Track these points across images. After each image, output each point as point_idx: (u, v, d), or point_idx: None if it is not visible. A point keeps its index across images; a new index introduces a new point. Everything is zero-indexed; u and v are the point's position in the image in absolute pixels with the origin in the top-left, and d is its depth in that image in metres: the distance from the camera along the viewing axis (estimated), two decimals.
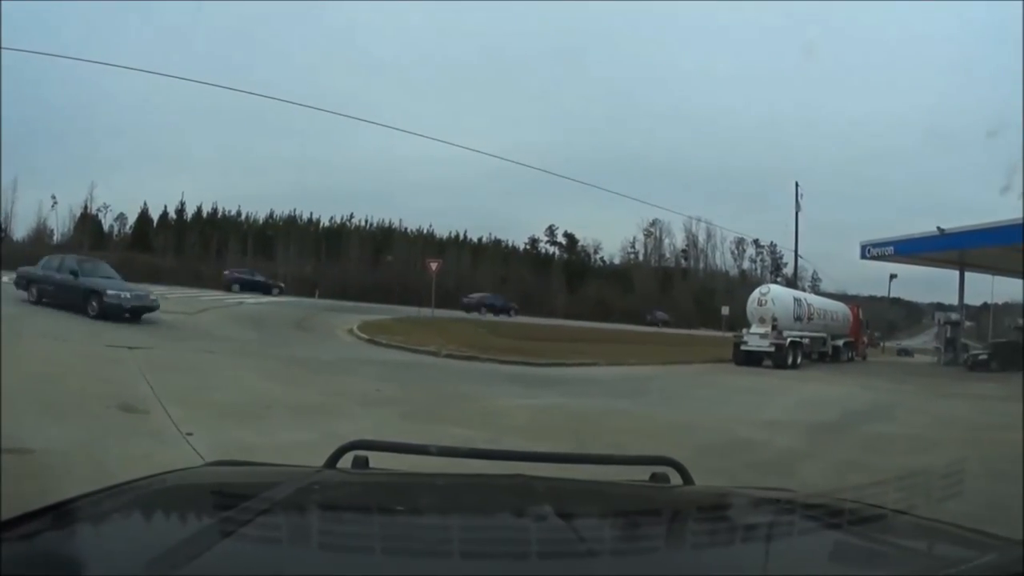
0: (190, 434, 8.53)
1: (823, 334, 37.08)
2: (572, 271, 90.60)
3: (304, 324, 30.12)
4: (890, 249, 39.94)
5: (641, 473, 2.41)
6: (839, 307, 42.13)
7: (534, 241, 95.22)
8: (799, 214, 54.33)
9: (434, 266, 39.61)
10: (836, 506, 2.00)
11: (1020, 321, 43.96)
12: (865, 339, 45.71)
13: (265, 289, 51.83)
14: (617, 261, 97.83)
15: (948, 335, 40.48)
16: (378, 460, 2.37)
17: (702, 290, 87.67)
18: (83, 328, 19.45)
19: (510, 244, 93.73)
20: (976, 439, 12.49)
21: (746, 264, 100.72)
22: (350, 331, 28.29)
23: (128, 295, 22.61)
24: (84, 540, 1.57)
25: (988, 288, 49.49)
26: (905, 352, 62.44)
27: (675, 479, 2.35)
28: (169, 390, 11.39)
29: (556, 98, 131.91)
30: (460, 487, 2.32)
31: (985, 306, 51.18)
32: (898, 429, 13.71)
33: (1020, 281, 42.00)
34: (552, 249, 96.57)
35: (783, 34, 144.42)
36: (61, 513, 1.63)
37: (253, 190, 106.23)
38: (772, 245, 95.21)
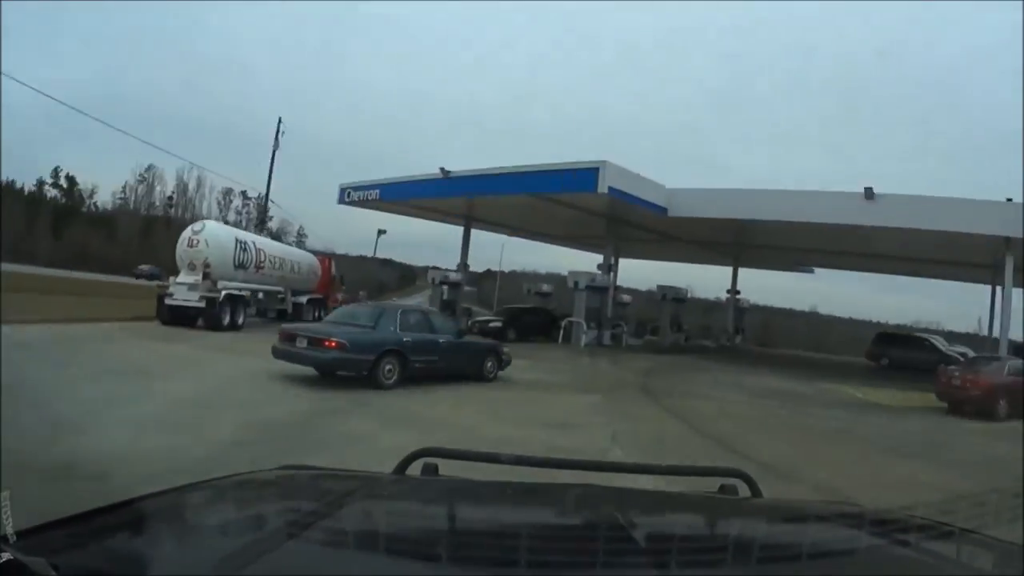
0: None
1: (279, 288, 30.55)
2: (60, 214, 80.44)
3: None
4: (375, 193, 33.40)
5: (709, 484, 2.36)
6: (304, 257, 35.04)
7: (40, 183, 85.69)
8: (277, 152, 47.73)
9: None
10: (905, 522, 1.94)
11: (543, 287, 39.35)
12: (339, 297, 38.80)
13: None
14: (110, 207, 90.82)
15: (445, 296, 34.84)
16: (447, 468, 2.35)
17: None
18: None
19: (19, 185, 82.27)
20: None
21: (232, 216, 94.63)
22: None
23: None
24: (152, 538, 1.59)
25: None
26: None
27: (743, 491, 2.29)
28: None
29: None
30: (530, 496, 2.27)
31: (489, 272, 45.89)
32: None
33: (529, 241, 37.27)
34: (54, 192, 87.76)
35: None
36: (131, 510, 1.64)
37: None
38: (260, 197, 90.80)
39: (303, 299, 32.44)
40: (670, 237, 33.99)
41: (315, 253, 39.11)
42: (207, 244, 25.54)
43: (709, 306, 45.16)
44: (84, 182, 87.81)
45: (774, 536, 1.94)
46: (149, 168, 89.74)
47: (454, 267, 36.34)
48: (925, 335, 43.06)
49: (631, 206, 26.26)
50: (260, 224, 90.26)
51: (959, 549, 1.79)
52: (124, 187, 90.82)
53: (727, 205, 26.96)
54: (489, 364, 17.16)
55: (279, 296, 30.90)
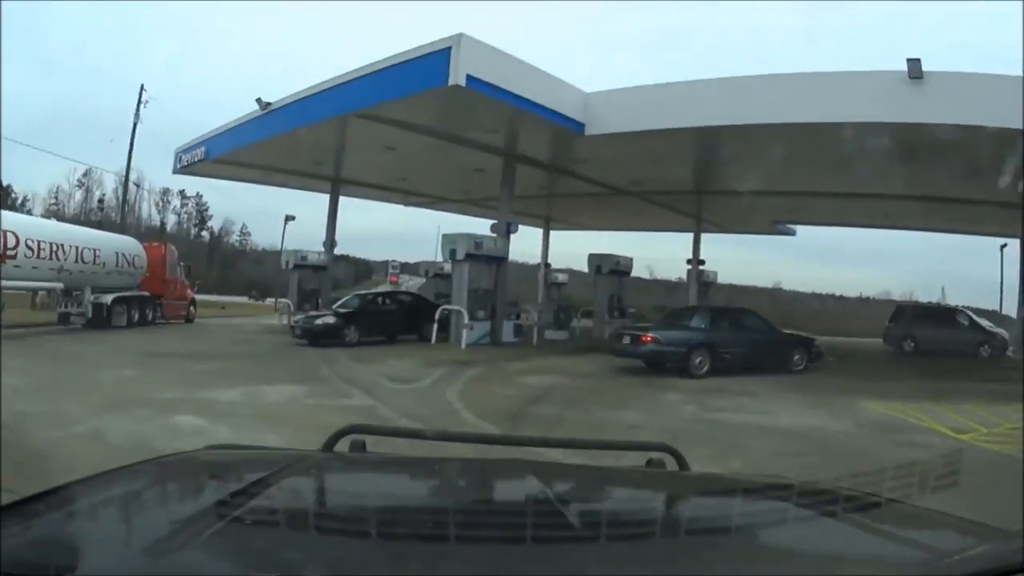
0: None
1: (57, 284, 22.34)
2: None
3: None
4: (201, 151, 24.72)
5: (637, 459, 2.36)
6: (112, 244, 26.08)
7: None
8: (138, 125, 37.33)
9: None
10: (832, 494, 1.90)
11: (445, 266, 28.60)
12: (189, 293, 31.22)
13: None
14: (41, 212, 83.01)
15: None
16: (375, 444, 2.35)
17: None
18: None
19: None
20: None
21: (171, 217, 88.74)
22: None
23: None
24: (83, 524, 1.55)
25: None
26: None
27: (671, 465, 2.27)
28: None
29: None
30: (457, 471, 2.29)
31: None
32: None
33: None
34: None
35: None
36: (60, 497, 1.61)
37: None
38: (198, 196, 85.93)
39: (108, 299, 24.14)
40: (604, 186, 24.28)
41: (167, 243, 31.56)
42: None
43: (670, 287, 35.72)
44: (20, 190, 78.34)
45: (703, 509, 1.94)
46: (87, 173, 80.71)
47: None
48: (951, 307, 32.91)
49: (529, 117, 16.56)
50: (200, 223, 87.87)
51: (886, 518, 1.74)
52: (56, 192, 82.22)
53: (687, 108, 16.38)
54: (796, 357, 18.07)
55: (76, 295, 23.59)
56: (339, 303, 24.29)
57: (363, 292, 27.00)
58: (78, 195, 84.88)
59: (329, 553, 1.36)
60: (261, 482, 1.72)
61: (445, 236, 21.35)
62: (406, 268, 39.14)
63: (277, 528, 1.47)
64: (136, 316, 25.42)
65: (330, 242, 28.00)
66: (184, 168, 25.70)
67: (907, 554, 1.64)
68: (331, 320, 21.14)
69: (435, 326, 20.31)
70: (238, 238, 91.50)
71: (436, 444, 2.31)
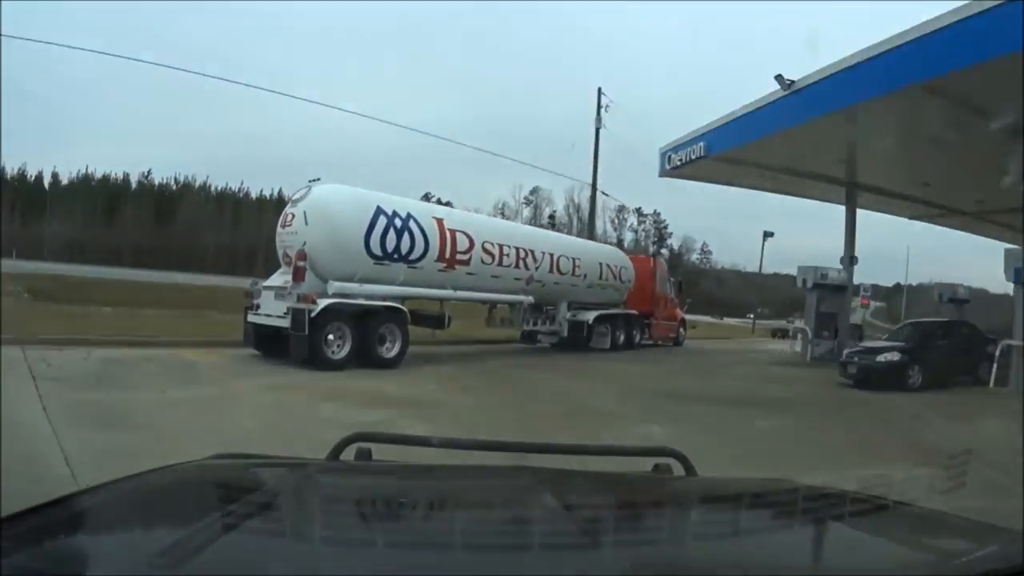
0: None
1: (518, 298, 19.98)
2: None
3: None
4: (699, 147, 21.28)
5: (644, 464, 2.33)
6: (596, 254, 23.99)
7: None
8: (600, 130, 37.51)
9: None
10: (839, 497, 1.95)
11: (959, 290, 26.61)
12: (679, 313, 28.94)
13: None
14: None
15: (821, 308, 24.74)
16: (381, 452, 2.32)
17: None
18: None
19: None
20: None
21: (628, 234, 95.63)
22: None
23: None
24: (89, 534, 1.54)
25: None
26: (784, 333, 43.55)
27: (678, 470, 2.27)
28: None
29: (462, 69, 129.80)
30: (464, 479, 2.28)
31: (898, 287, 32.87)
32: None
33: None
34: None
35: None
36: (66, 507, 1.59)
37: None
38: (656, 213, 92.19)
39: (590, 316, 22.38)
40: None
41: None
42: (306, 221, 14.93)
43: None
44: (458, 205, 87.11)
45: (710, 513, 1.97)
46: (534, 191, 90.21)
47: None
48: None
49: None
50: (659, 241, 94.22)
51: (893, 521, 1.78)
52: (502, 208, 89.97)
53: None
54: None
55: (547, 311, 21.82)
56: (888, 334, 21.20)
57: (919, 320, 23.01)
58: (525, 212, 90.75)
59: (336, 562, 1.36)
60: (268, 491, 1.75)
61: (1008, 252, 17.76)
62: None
63: (283, 537, 1.48)
64: (621, 338, 23.38)
65: (849, 257, 24.19)
66: (675, 169, 22.88)
67: (914, 556, 1.66)
68: (896, 357, 17.44)
69: (994, 366, 16.97)
70: (698, 256, 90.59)
71: (443, 451, 2.24)
